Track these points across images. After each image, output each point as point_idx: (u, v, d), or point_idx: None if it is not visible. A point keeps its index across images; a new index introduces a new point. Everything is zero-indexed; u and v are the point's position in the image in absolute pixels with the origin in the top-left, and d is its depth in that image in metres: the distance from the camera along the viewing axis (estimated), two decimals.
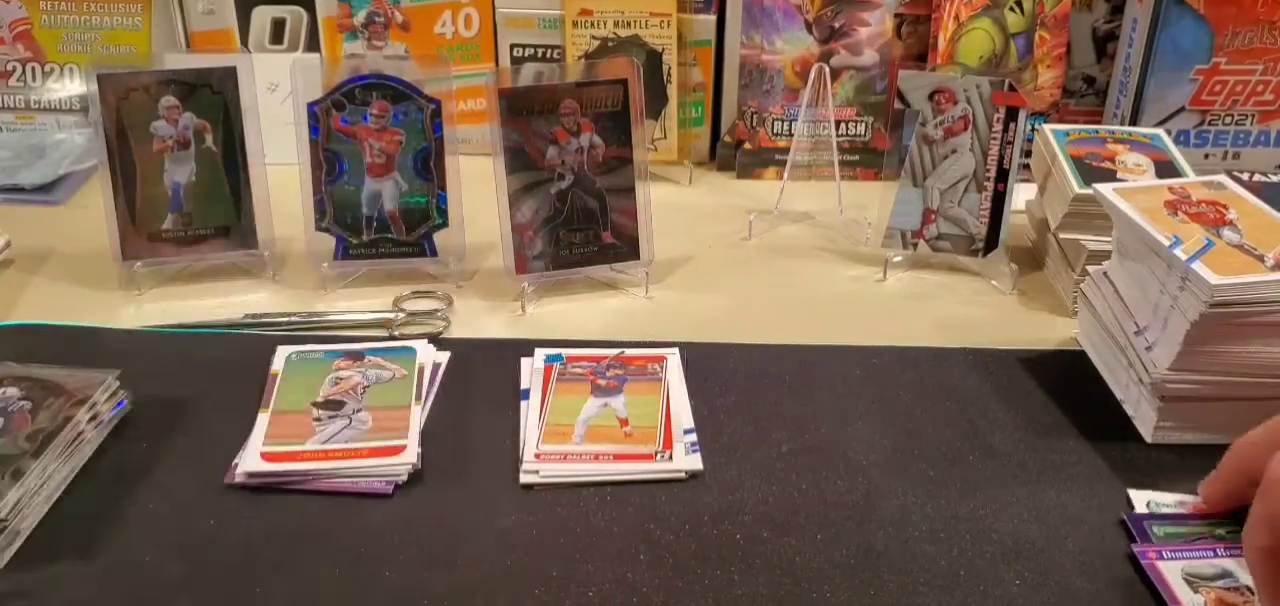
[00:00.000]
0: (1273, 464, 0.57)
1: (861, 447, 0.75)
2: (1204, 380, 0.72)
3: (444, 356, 0.83)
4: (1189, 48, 1.09)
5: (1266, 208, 0.77)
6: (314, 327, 0.89)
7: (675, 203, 1.12)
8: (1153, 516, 0.67)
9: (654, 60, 1.13)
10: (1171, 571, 0.62)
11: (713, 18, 1.14)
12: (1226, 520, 0.66)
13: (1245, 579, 0.62)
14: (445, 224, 0.95)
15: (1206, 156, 1.14)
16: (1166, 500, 0.69)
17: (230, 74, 0.92)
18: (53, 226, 1.05)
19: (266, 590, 0.62)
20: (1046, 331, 0.89)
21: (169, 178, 0.93)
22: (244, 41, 1.19)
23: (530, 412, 0.77)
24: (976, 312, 0.93)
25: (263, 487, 0.70)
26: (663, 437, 0.74)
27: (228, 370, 0.82)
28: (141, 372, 0.80)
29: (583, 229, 0.93)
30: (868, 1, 1.12)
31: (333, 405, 0.76)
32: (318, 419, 0.75)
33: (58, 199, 1.10)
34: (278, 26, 1.19)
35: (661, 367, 0.82)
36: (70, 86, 1.20)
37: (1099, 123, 1.16)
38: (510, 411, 0.77)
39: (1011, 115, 0.92)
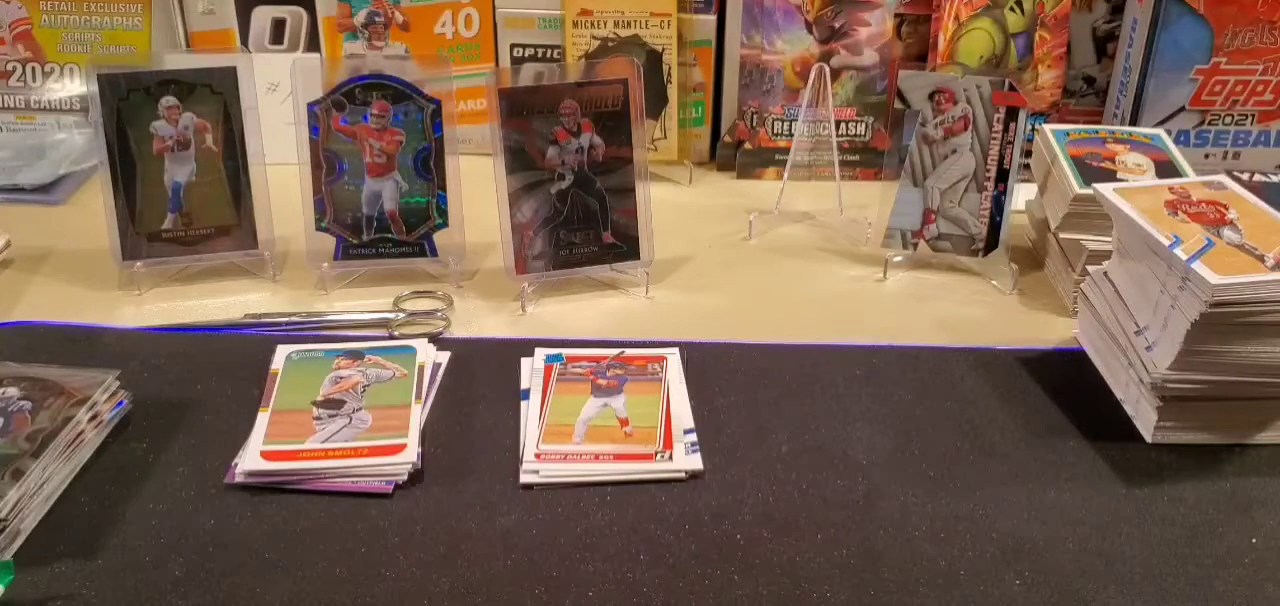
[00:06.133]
0: None
1: (861, 447, 0.75)
2: (1204, 380, 0.72)
3: (444, 356, 0.83)
4: (1189, 48, 1.08)
5: (1266, 208, 0.77)
6: (314, 327, 0.89)
7: (675, 203, 1.12)
8: None
9: (654, 60, 1.12)
10: None
11: (713, 18, 1.14)
12: None
13: None
14: (445, 224, 0.95)
15: (1206, 156, 1.14)
16: None
17: (230, 74, 0.92)
18: (53, 226, 1.05)
19: (266, 590, 0.62)
20: (1046, 331, 0.89)
21: (169, 178, 0.93)
22: (244, 41, 1.19)
23: (530, 412, 0.77)
24: (976, 312, 0.93)
25: (263, 487, 0.70)
26: (663, 437, 0.74)
27: (228, 370, 0.82)
28: (141, 372, 0.80)
29: (583, 229, 0.93)
30: (868, 1, 1.12)
31: (333, 404, 0.76)
32: (318, 418, 0.75)
33: (58, 199, 1.10)
34: (278, 26, 1.19)
35: (661, 367, 0.82)
36: (70, 86, 1.20)
37: (1099, 123, 1.16)
38: (510, 411, 0.77)
39: (1011, 115, 0.92)
